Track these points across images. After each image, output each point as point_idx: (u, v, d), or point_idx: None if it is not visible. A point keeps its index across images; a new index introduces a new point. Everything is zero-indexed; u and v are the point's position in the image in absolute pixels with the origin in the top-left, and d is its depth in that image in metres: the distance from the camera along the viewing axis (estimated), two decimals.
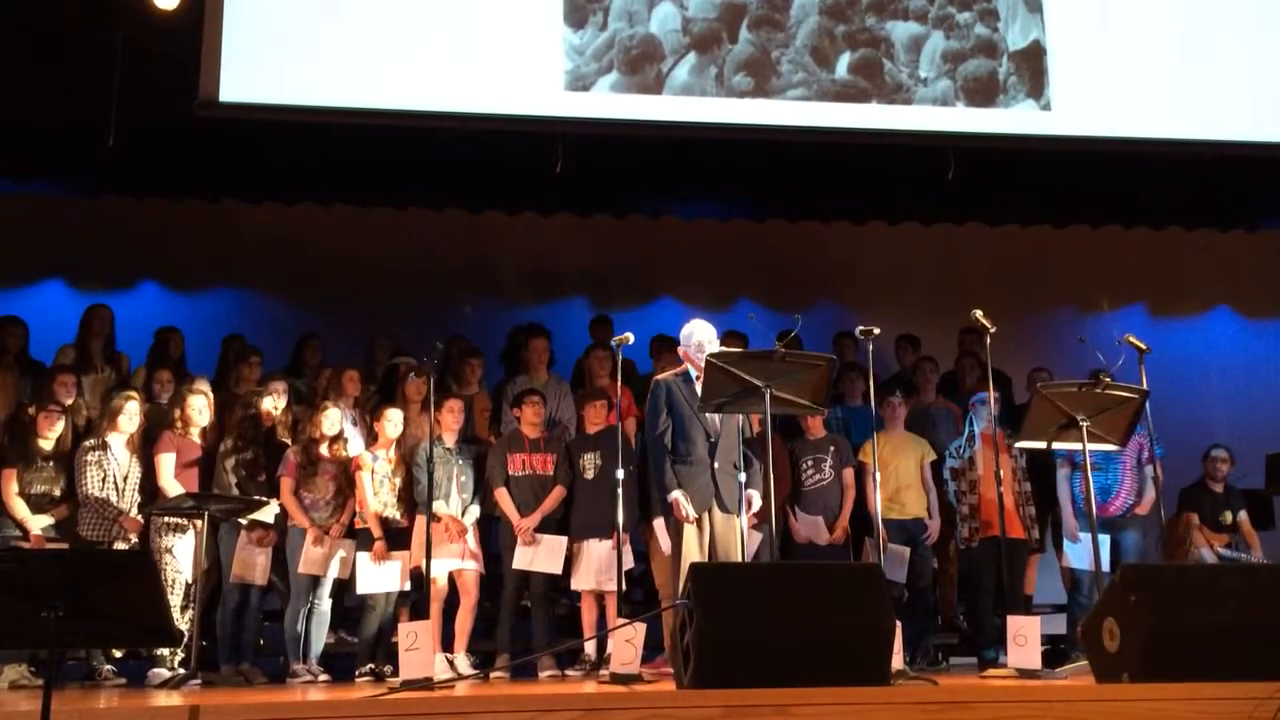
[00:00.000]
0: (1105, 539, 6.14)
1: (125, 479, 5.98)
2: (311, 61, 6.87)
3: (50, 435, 6.00)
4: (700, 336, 5.38)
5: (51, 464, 6.00)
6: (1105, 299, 9.23)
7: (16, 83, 6.96)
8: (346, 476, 6.16)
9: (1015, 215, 9.16)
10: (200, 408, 6.17)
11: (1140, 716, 3.42)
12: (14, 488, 5.91)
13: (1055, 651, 6.38)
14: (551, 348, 7.38)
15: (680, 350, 5.53)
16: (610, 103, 7.07)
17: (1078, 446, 5.09)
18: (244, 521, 6.00)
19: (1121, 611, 3.81)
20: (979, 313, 5.64)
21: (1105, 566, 5.85)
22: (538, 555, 6.11)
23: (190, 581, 5.87)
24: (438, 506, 5.93)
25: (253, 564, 6.02)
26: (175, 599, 5.77)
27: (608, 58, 7.07)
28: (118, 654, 5.96)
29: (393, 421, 6.21)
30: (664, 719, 3.26)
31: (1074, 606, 6.42)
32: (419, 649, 4.57)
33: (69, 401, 6.25)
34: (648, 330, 7.26)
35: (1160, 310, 9.47)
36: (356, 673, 5.98)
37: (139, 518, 5.95)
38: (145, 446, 6.13)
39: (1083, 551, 6.28)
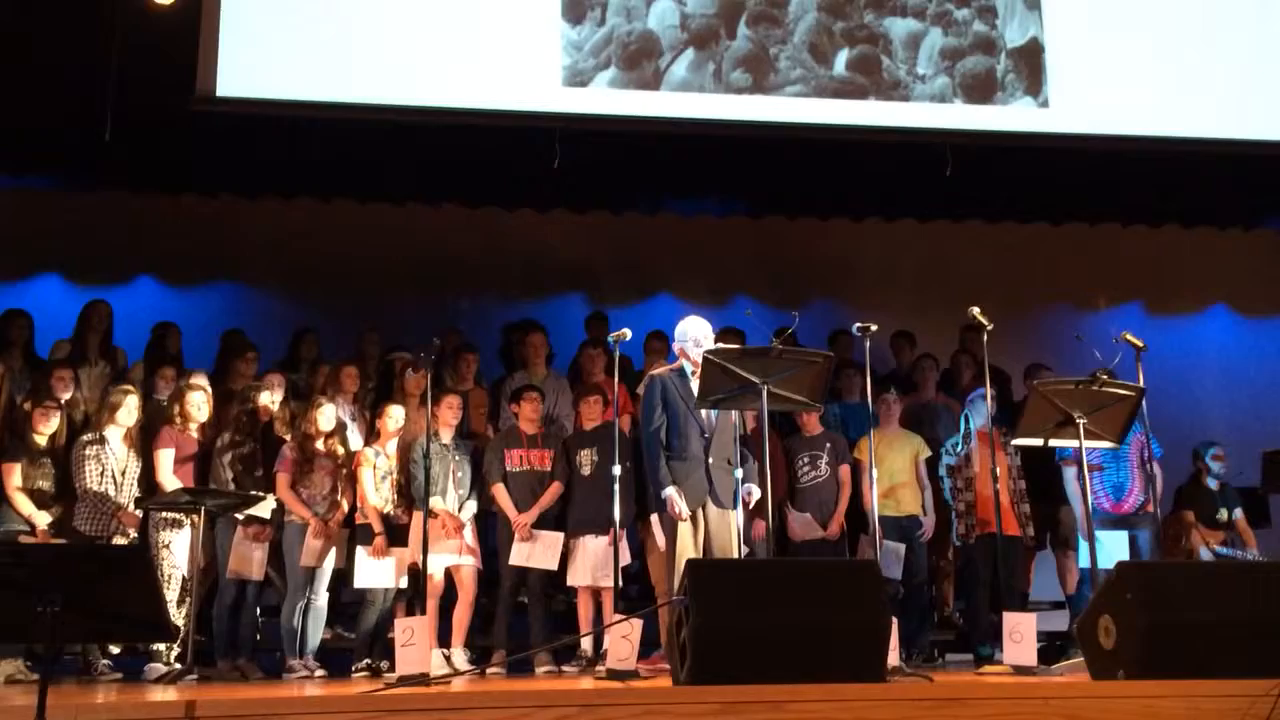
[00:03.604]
0: (1123, 535, 6.16)
1: (123, 474, 5.97)
2: (309, 56, 6.87)
3: (45, 431, 6.00)
4: (695, 333, 5.39)
5: (48, 460, 6.00)
6: (1102, 296, 9.25)
7: (14, 77, 6.95)
8: (345, 471, 6.15)
9: (1013, 212, 9.15)
10: (199, 403, 6.16)
11: (1136, 713, 3.42)
12: (15, 481, 5.90)
13: (1051, 648, 6.39)
14: (549, 343, 7.38)
15: (675, 347, 5.53)
16: (608, 99, 7.08)
17: (1074, 443, 5.10)
18: (240, 517, 5.99)
19: (1118, 609, 3.81)
20: (976, 310, 5.64)
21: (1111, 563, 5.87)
22: (534, 551, 6.11)
23: (186, 576, 5.87)
24: (434, 502, 5.93)
25: (249, 559, 6.02)
26: (171, 594, 5.77)
27: (606, 53, 7.06)
28: (115, 650, 5.96)
29: (394, 418, 6.21)
30: (660, 715, 3.26)
31: (1080, 603, 6.41)
32: (415, 644, 4.58)
33: (66, 396, 6.25)
34: (645, 326, 7.26)
35: (1157, 308, 9.48)
36: (353, 668, 5.98)
37: (137, 513, 5.94)
38: (143, 441, 6.13)
39: (1100, 550, 6.29)
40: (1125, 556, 5.97)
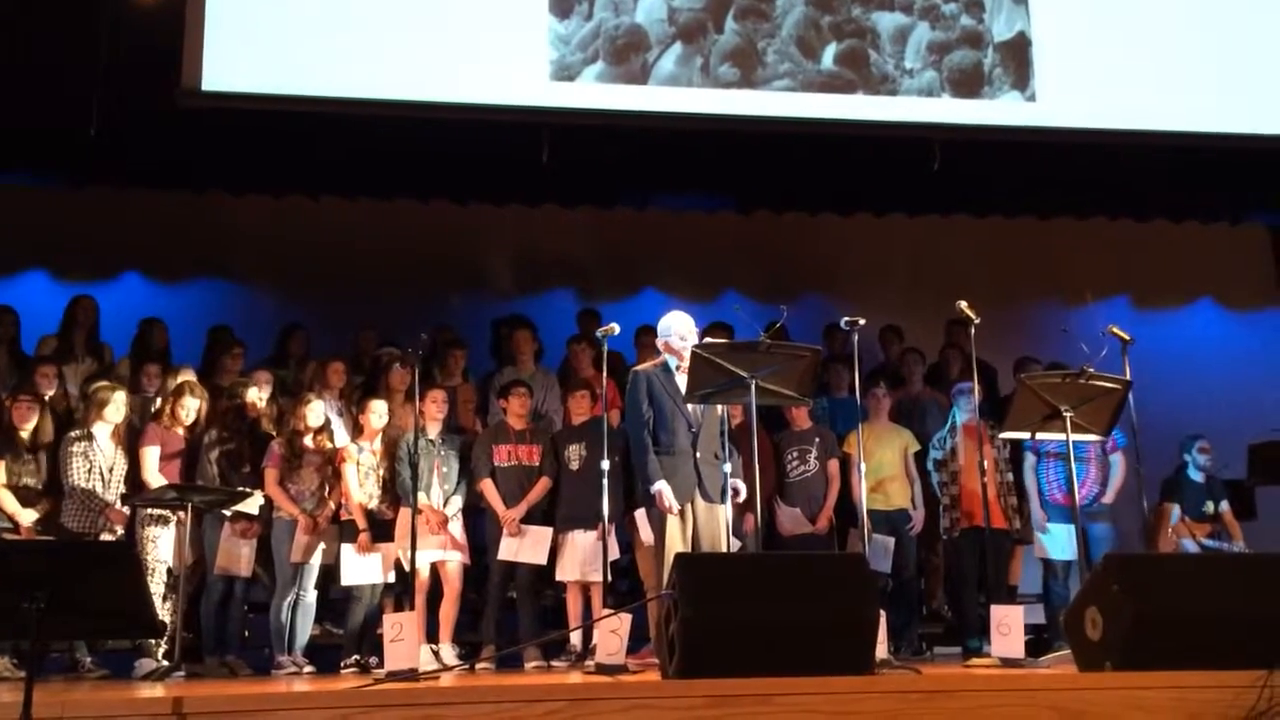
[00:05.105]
0: (1072, 528, 6.18)
1: (111, 470, 5.95)
2: (295, 51, 6.84)
3: (26, 427, 5.97)
4: (679, 327, 5.39)
5: (34, 456, 5.97)
6: (1089, 291, 9.26)
7: None
8: (331, 468, 6.14)
9: (1000, 207, 9.17)
10: (191, 408, 6.14)
11: (1123, 705, 3.44)
12: (0, 478, 5.88)
13: (1039, 641, 6.41)
14: (538, 339, 7.37)
15: (660, 342, 5.52)
16: (596, 93, 7.07)
17: (1060, 437, 5.12)
18: (228, 513, 5.98)
19: (1104, 600, 3.83)
20: (964, 304, 5.67)
21: (1072, 555, 5.91)
22: (523, 546, 6.10)
23: (172, 570, 5.85)
24: (419, 498, 5.92)
25: (237, 556, 6.01)
26: (156, 587, 5.75)
27: (593, 47, 7.05)
28: (109, 644, 5.94)
29: (377, 413, 6.19)
30: (649, 709, 3.26)
31: (1051, 595, 6.45)
32: (404, 640, 4.57)
33: (50, 393, 6.22)
34: (633, 322, 7.26)
35: (1144, 302, 9.51)
36: (341, 664, 5.97)
37: (124, 510, 5.92)
38: (130, 438, 6.11)
39: (1052, 541, 6.32)
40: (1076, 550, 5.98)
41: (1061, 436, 5.10)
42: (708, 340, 5.27)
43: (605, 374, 5.87)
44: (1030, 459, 6.46)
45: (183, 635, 5.77)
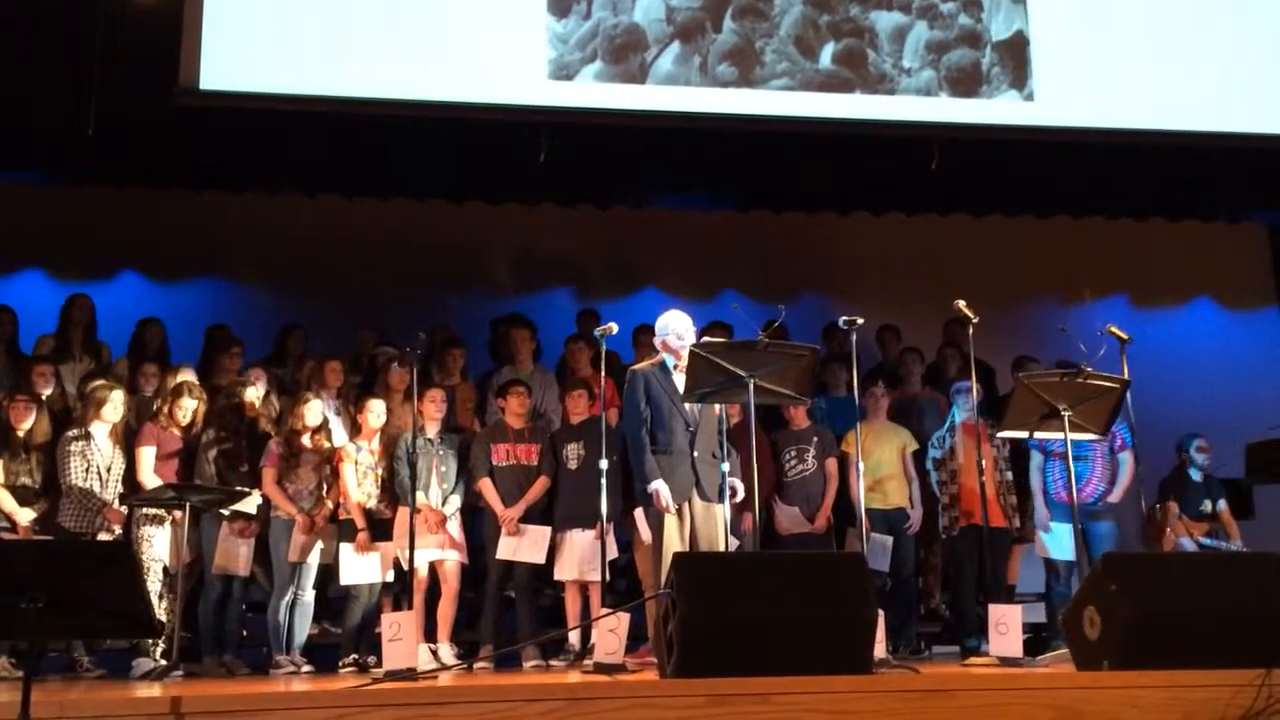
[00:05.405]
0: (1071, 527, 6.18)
1: (109, 470, 5.95)
2: (293, 49, 6.84)
3: (22, 426, 5.96)
4: (676, 326, 5.39)
5: (32, 456, 5.96)
6: (1087, 289, 9.28)
7: None
8: (329, 467, 6.13)
9: (998, 206, 9.17)
10: (189, 409, 6.14)
11: (1120, 704, 3.44)
12: None
13: (1037, 640, 6.41)
14: (537, 339, 7.37)
15: (657, 341, 5.52)
16: (594, 92, 7.07)
17: (1058, 436, 5.12)
18: (226, 513, 5.97)
19: (1102, 599, 3.83)
20: (962, 303, 5.67)
21: (1072, 555, 5.90)
22: (521, 546, 6.10)
23: (169, 569, 5.85)
24: (417, 497, 5.91)
25: (235, 555, 6.00)
26: (153, 586, 5.74)
27: (591, 46, 7.05)
28: (107, 643, 5.93)
29: (375, 412, 6.19)
30: (647, 708, 3.26)
31: (1052, 595, 6.45)
32: (402, 639, 4.57)
33: (47, 392, 6.22)
34: (632, 321, 7.26)
35: (1142, 301, 9.51)
36: (340, 663, 5.97)
37: (122, 509, 5.92)
38: (129, 438, 6.10)
39: (1054, 540, 6.32)
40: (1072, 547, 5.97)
41: (1059, 435, 5.10)
42: (706, 339, 5.27)
43: (603, 373, 5.87)
44: (1037, 458, 6.43)
45: (181, 635, 5.77)
